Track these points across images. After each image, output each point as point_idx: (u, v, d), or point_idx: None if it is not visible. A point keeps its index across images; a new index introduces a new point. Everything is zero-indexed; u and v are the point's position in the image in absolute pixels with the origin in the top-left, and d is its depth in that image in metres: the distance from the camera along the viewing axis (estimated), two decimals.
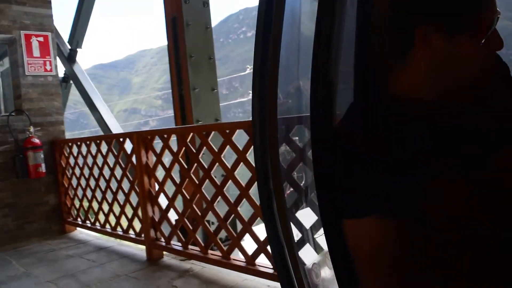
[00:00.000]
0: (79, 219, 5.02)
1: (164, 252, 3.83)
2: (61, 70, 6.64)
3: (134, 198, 3.94)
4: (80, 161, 4.75)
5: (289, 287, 1.77)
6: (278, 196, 1.69)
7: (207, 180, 3.08)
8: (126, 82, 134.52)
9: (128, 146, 3.85)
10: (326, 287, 1.91)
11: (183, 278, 3.24)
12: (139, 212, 3.88)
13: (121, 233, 4.29)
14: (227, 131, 2.83)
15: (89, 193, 4.69)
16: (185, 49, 3.80)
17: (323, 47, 0.99)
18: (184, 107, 3.86)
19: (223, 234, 3.25)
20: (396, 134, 0.86)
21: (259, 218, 2.66)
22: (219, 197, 3.00)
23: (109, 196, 4.36)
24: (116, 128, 5.84)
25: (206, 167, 3.07)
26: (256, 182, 2.01)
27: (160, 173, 3.61)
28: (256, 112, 1.48)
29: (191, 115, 3.79)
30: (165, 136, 3.41)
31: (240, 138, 2.70)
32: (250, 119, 1.44)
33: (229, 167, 2.86)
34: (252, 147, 1.99)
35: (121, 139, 4.00)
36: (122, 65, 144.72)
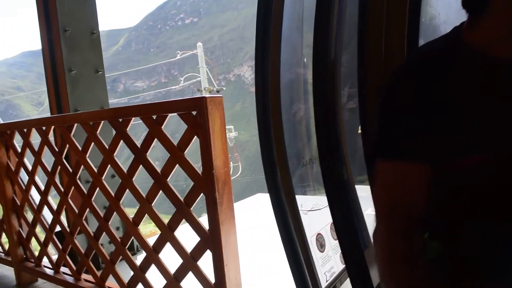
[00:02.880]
0: None
1: None
2: None
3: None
4: None
5: (295, 261, 1.96)
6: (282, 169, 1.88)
7: (73, 187, 2.36)
8: None
9: None
10: (329, 257, 2.09)
11: None
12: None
13: None
14: (91, 123, 2.11)
15: None
16: (57, 20, 3.00)
17: None
18: (59, 93, 3.08)
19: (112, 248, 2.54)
20: (466, 87, 0.90)
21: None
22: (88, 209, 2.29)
23: None
24: None
25: (71, 170, 2.34)
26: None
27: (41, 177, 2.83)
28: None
29: (67, 103, 3.01)
30: (25, 130, 2.64)
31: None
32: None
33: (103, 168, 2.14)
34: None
35: None
36: None
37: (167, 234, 1.84)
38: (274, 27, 1.88)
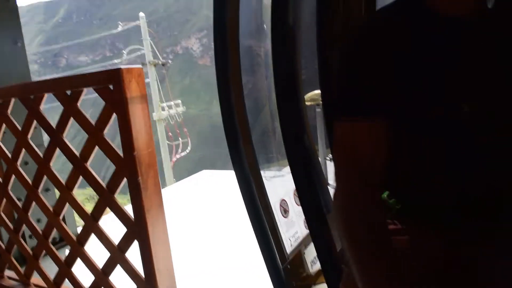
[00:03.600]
0: None
1: None
2: None
3: None
4: None
5: (260, 228, 1.95)
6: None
7: None
8: None
9: None
10: (293, 223, 2.10)
11: None
12: None
13: None
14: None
15: None
16: None
17: None
18: None
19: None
20: (421, 43, 0.95)
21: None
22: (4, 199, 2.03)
23: None
24: None
25: None
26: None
27: None
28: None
29: None
30: None
31: None
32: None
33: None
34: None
35: None
36: None
37: (91, 224, 1.64)
38: None
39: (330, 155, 2.59)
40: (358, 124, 0.98)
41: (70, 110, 1.55)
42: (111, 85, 1.39)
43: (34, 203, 1.88)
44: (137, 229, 1.48)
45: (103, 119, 1.47)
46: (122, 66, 1.37)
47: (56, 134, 1.64)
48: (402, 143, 1.00)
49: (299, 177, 1.75)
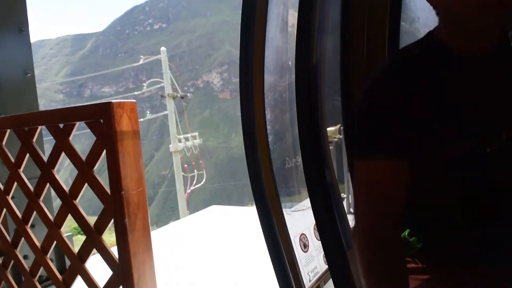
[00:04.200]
0: None
1: None
2: None
3: None
4: None
5: (279, 261, 1.98)
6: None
7: None
8: None
9: None
10: (313, 257, 2.16)
11: None
12: None
13: None
14: None
15: None
16: None
17: None
18: None
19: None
20: (441, 82, 0.98)
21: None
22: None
23: None
24: None
25: None
26: None
27: None
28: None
29: None
30: None
31: None
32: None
33: None
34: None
35: None
36: None
37: (78, 265, 1.53)
38: (258, 28, 1.88)
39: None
40: (379, 163, 0.98)
41: (62, 144, 1.48)
42: (102, 119, 1.32)
43: (22, 238, 1.79)
44: (122, 273, 1.37)
45: (93, 155, 1.38)
46: (113, 100, 1.29)
47: (46, 169, 1.57)
48: (422, 183, 1.02)
49: (320, 212, 1.73)
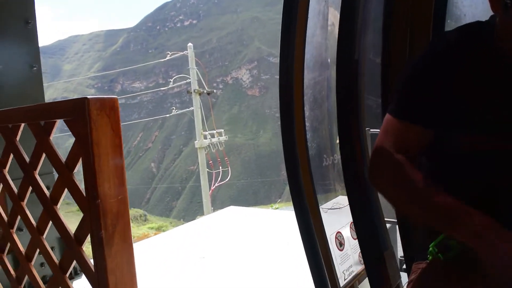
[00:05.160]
0: None
1: None
2: None
3: None
4: None
5: (315, 259, 2.00)
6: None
7: None
8: (56, 69, 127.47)
9: None
10: (348, 256, 2.16)
11: None
12: None
13: None
14: None
15: None
16: None
17: None
18: None
19: None
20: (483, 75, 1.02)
21: None
22: None
23: None
24: None
25: None
26: None
27: None
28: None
29: None
30: None
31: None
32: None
33: None
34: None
35: None
36: (52, 51, 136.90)
37: (59, 277, 1.37)
38: (299, 25, 1.89)
39: None
40: (408, 124, 1.07)
41: (42, 144, 1.31)
42: (77, 117, 1.14)
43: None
44: None
45: (73, 157, 1.21)
46: (90, 97, 1.11)
47: (29, 170, 1.41)
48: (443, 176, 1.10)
49: (357, 210, 1.77)
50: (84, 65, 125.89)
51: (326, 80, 2.14)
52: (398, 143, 1.06)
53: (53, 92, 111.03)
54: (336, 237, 2.19)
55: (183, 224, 4.98)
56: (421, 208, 1.01)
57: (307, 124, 1.92)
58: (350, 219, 1.81)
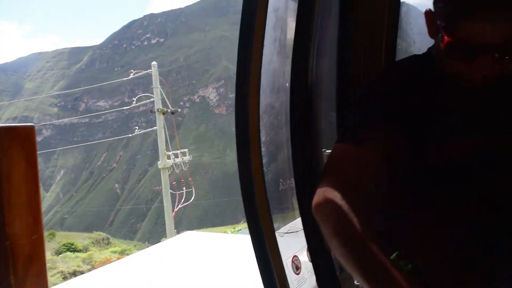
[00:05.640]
0: None
1: None
2: None
3: None
4: None
5: (270, 283, 2.03)
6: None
7: None
8: (17, 87, 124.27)
9: None
10: (305, 280, 2.22)
11: None
12: None
13: None
14: None
15: None
16: None
17: None
18: None
19: None
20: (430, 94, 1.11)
21: None
22: None
23: None
24: None
25: None
26: None
27: None
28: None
29: None
30: None
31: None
32: None
33: None
34: None
35: None
36: (13, 68, 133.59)
37: None
38: (255, 50, 1.91)
39: None
40: (362, 146, 1.05)
41: None
42: None
43: None
44: None
45: None
46: (1, 124, 0.87)
47: None
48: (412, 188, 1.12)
49: (312, 234, 1.81)
50: (47, 83, 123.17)
51: (283, 105, 2.14)
52: (351, 173, 1.04)
53: (13, 110, 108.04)
54: (292, 261, 2.18)
55: (148, 247, 4.71)
56: (354, 264, 0.96)
57: (263, 149, 1.93)
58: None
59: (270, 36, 1.93)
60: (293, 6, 1.92)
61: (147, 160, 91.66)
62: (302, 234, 1.88)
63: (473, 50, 0.98)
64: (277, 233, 2.04)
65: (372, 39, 1.95)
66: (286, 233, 2.20)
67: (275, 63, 2.16)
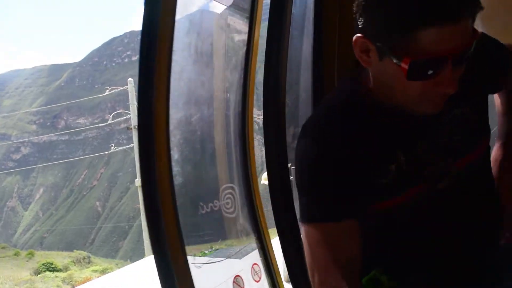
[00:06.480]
0: None
1: None
2: None
3: None
4: None
5: None
6: None
7: None
8: None
9: None
10: None
11: None
12: None
13: None
14: None
15: None
16: None
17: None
18: None
19: None
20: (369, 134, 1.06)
21: None
22: None
23: None
24: None
25: None
26: None
27: None
28: None
29: None
30: None
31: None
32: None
33: None
34: None
35: None
36: None
37: None
38: (161, 58, 1.61)
39: None
40: (328, 225, 1.04)
41: None
42: None
43: None
44: None
45: None
46: None
47: None
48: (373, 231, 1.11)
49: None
50: (26, 100, 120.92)
51: (202, 119, 2.03)
52: (335, 253, 1.03)
53: None
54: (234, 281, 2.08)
55: (129, 264, 4.58)
56: None
57: (177, 168, 1.76)
58: (233, 272, 1.76)
59: (182, 42, 1.79)
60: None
61: (128, 177, 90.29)
62: (229, 263, 1.80)
63: (437, 62, 0.88)
64: (192, 265, 1.82)
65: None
66: (206, 263, 2.04)
67: (190, 72, 1.98)
